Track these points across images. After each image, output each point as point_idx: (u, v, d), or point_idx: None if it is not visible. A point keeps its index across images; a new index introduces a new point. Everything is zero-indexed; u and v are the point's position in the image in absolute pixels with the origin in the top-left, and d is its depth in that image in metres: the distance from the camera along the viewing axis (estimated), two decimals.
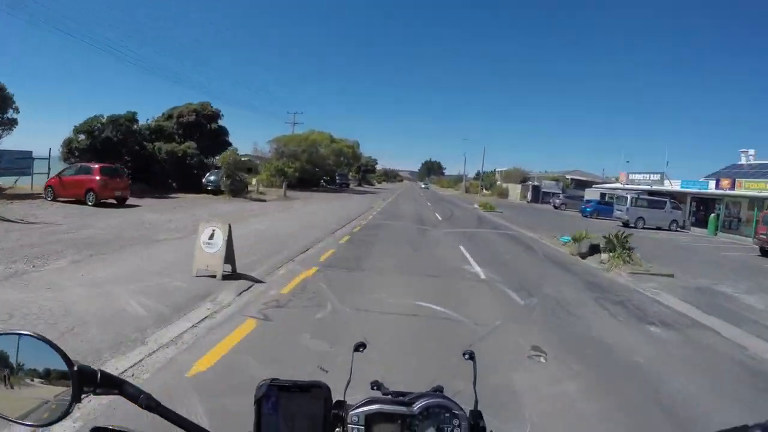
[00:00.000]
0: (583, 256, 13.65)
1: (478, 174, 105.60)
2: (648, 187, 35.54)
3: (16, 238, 9.62)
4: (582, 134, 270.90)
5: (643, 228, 27.13)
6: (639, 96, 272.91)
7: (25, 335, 0.81)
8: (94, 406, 3.22)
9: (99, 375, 0.83)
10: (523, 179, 64.13)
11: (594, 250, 13.78)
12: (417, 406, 0.99)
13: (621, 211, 27.55)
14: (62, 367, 0.80)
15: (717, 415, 4.04)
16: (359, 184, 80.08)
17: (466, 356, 1.21)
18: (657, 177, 35.42)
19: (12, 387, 0.81)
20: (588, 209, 33.99)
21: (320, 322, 5.59)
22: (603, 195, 43.30)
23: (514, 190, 62.52)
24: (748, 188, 26.72)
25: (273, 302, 6.41)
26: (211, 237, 7.72)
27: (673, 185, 33.84)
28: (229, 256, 7.80)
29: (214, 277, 7.51)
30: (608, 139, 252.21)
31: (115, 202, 18.44)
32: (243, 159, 49.45)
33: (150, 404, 0.87)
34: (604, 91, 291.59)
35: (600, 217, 33.52)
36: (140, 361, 4.21)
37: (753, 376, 5.23)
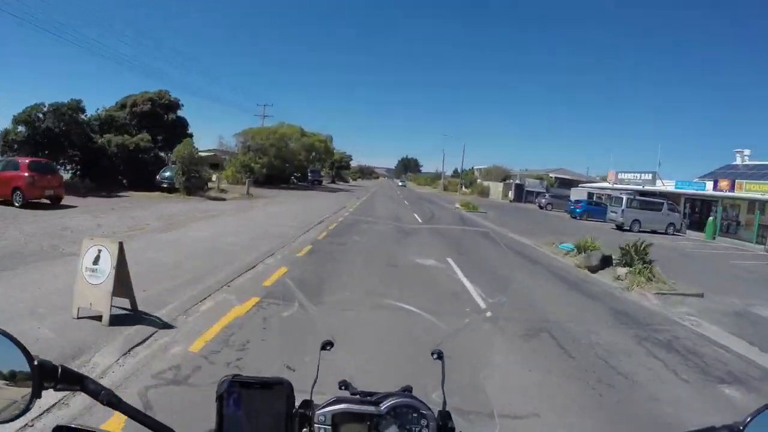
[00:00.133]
0: (593, 269, 11.74)
1: (455, 171, 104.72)
2: (639, 187, 34.35)
3: None
4: (565, 132, 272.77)
5: (639, 231, 25.65)
6: (624, 93, 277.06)
7: None
8: None
9: (60, 370, 0.83)
10: (505, 177, 62.81)
11: (605, 262, 11.91)
12: (384, 406, 0.99)
13: (615, 213, 26.05)
14: (23, 362, 0.81)
15: None
16: (333, 181, 77.52)
17: (435, 356, 1.20)
18: (648, 177, 34.24)
19: None
20: (577, 210, 32.50)
21: None
22: (591, 195, 42.12)
23: (496, 188, 61.13)
24: (750, 190, 25.59)
25: (171, 372, 4.12)
26: (96, 261, 5.34)
27: (666, 186, 32.69)
28: (124, 288, 5.44)
29: (100, 319, 5.18)
30: (592, 137, 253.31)
31: (48, 202, 15.97)
32: (208, 154, 47.00)
33: (111, 400, 0.87)
34: (586, 88, 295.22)
35: (590, 219, 32.11)
36: None
37: None
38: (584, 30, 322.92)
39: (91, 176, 24.49)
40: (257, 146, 42.95)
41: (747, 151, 32.94)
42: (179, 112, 31.51)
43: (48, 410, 3.40)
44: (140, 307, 5.58)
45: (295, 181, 53.10)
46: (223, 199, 25.38)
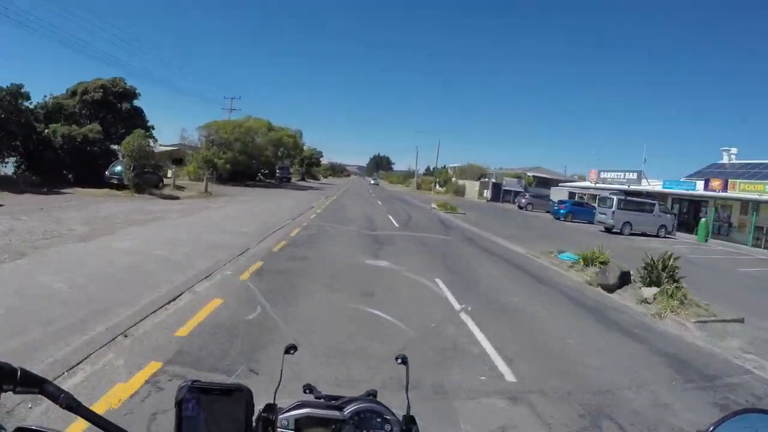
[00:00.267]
0: (610, 288, 9.89)
1: (428, 170, 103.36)
2: (624, 187, 33.27)
3: None
4: (541, 130, 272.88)
5: (630, 234, 24.33)
6: (602, 91, 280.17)
7: None
8: None
9: (19, 373, 0.82)
10: (480, 176, 61.49)
11: (624, 279, 10.09)
12: (348, 411, 1.00)
13: (605, 214, 24.63)
14: None
15: None
16: (302, 179, 74.63)
17: (399, 360, 1.19)
18: (633, 176, 33.19)
19: None
20: (561, 211, 31.08)
21: None
22: (572, 195, 41.04)
23: (472, 187, 59.76)
24: (744, 190, 24.63)
25: None
26: None
27: (652, 185, 31.67)
28: None
29: None
30: (568, 136, 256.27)
31: None
32: (171, 148, 44.06)
33: (71, 404, 0.85)
34: (562, 86, 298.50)
35: (575, 220, 30.76)
36: None
37: None
38: (562, 24, 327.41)
39: (35, 170, 22.26)
40: (221, 140, 40.08)
41: (734, 150, 32.37)
42: (136, 102, 29.33)
43: None
44: None
45: (262, 178, 50.38)
46: (177, 198, 22.77)
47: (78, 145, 23.10)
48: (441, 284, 8.21)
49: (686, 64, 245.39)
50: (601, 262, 11.69)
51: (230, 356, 4.48)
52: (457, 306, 6.97)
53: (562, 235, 21.73)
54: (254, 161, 43.88)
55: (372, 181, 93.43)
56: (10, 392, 0.82)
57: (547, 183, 56.90)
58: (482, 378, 4.49)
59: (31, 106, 22.93)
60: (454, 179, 66.62)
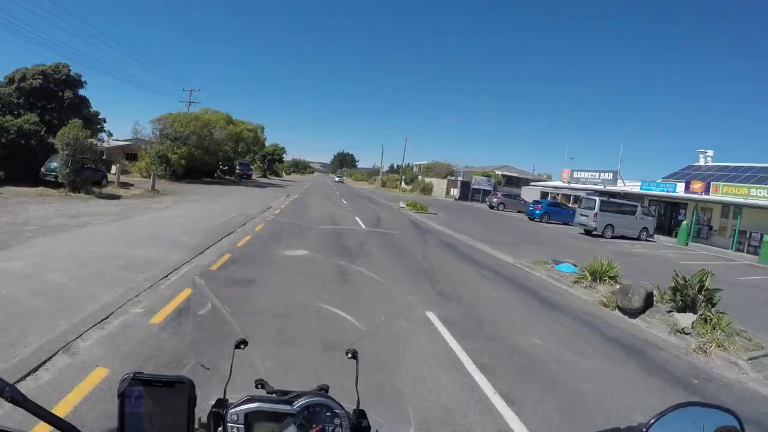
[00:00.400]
0: (633, 312, 8.20)
1: (391, 167, 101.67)
2: (598, 187, 32.44)
3: None
4: (509, 128, 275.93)
5: (612, 237, 23.19)
6: (572, 91, 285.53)
7: None
8: None
9: None
10: (448, 174, 60.20)
11: (647, 301, 8.42)
12: (297, 405, 1.01)
13: (586, 216, 23.36)
14: None
15: None
16: (264, 176, 71.24)
17: (349, 355, 1.21)
18: (609, 176, 32.35)
19: None
20: (538, 212, 29.79)
21: None
22: (545, 194, 40.14)
23: (439, 185, 58.40)
24: (727, 193, 23.92)
25: None
26: None
27: (628, 186, 30.88)
28: None
29: None
30: (537, 135, 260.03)
31: None
32: (124, 143, 40.69)
33: (15, 397, 0.85)
34: (530, 86, 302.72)
35: (551, 221, 29.57)
36: None
37: None
38: (532, 21, 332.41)
39: None
40: (176, 134, 36.86)
41: (710, 152, 32.07)
42: (81, 91, 26.79)
43: None
44: None
45: (221, 174, 47.27)
46: (118, 198, 19.88)
47: (12, 138, 20.15)
48: (437, 323, 6.17)
49: (663, 65, 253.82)
50: (610, 277, 10.07)
51: None
52: (477, 376, 4.69)
53: (544, 238, 20.27)
54: (212, 157, 40.82)
55: (336, 179, 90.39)
56: None
57: (516, 182, 56.25)
58: None
59: None
60: (420, 177, 65.07)
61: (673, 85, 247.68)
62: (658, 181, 30.26)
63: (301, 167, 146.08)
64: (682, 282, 8.14)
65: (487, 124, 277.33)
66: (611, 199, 24.56)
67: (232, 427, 0.98)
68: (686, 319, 7.56)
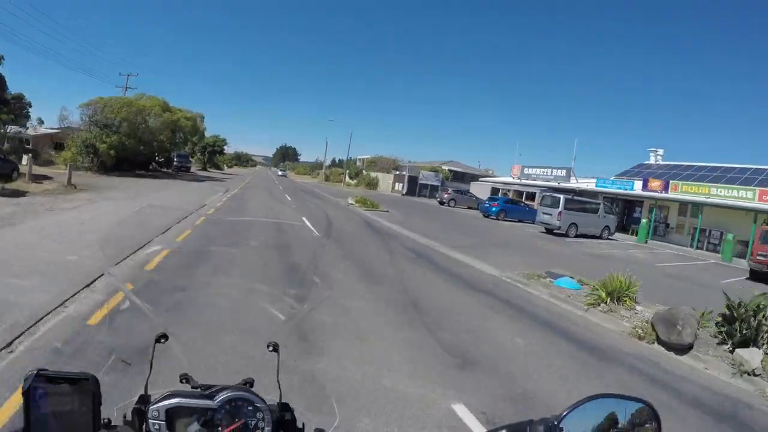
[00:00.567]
0: (681, 348, 6.38)
1: (334, 161, 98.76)
2: (551, 184, 31.73)
3: None
4: (452, 125, 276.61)
5: (576, 236, 22.08)
6: (514, 86, 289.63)
7: None
8: None
9: None
10: (394, 168, 58.34)
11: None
12: (218, 399, 0.99)
13: (549, 214, 22.08)
14: None
15: None
16: (204, 168, 65.85)
17: (270, 348, 1.20)
18: (562, 173, 31.66)
19: None
20: (494, 209, 28.35)
21: None
22: (495, 191, 39.13)
23: (385, 180, 56.36)
24: (688, 192, 23.56)
25: None
26: None
27: (582, 183, 30.29)
28: None
29: None
30: (481, 130, 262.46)
31: None
32: (53, 131, 36.08)
33: None
34: (473, 82, 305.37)
35: (508, 219, 28.28)
36: None
37: None
38: (477, 17, 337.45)
39: None
40: (106, 121, 32.22)
41: (660, 151, 32.34)
42: None
43: None
44: None
45: (156, 167, 42.58)
46: (25, 194, 15.99)
47: None
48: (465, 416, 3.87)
49: (612, 62, 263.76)
50: (630, 297, 8.30)
51: None
52: None
53: (508, 239, 18.67)
54: (146, 147, 36.31)
55: (279, 173, 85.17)
56: None
57: (461, 177, 55.36)
58: None
59: None
60: (365, 172, 62.79)
61: (623, 83, 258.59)
62: (613, 179, 29.88)
63: (243, 160, 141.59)
64: (740, 309, 6.44)
65: (431, 120, 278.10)
66: (575, 197, 23.52)
67: (154, 424, 0.96)
68: (754, 357, 5.81)
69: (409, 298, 7.30)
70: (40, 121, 33.86)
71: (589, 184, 29.93)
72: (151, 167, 40.86)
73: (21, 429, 0.90)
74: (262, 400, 1.01)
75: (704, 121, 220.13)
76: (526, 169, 35.86)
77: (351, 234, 14.55)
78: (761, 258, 15.31)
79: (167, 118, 38.00)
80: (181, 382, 1.09)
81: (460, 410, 3.88)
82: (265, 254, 9.55)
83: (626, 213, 29.47)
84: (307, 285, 7.50)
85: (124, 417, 1.01)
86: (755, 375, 5.75)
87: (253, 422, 0.99)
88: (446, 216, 27.56)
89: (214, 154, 71.89)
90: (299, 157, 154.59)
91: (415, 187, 50.05)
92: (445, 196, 37.74)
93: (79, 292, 5.82)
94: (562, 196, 21.89)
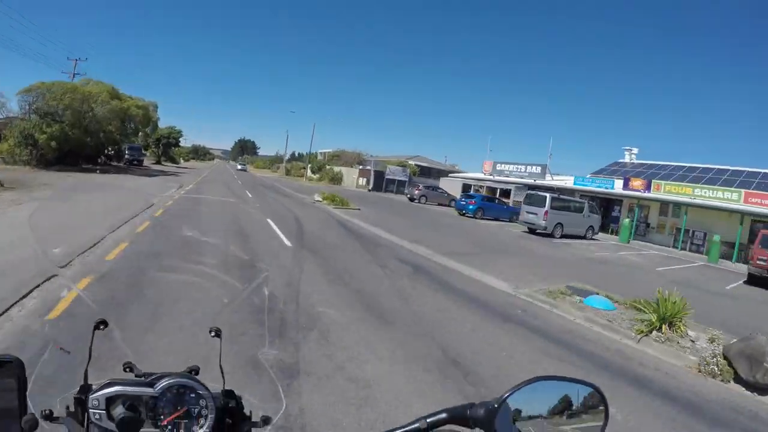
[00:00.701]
0: (764, 389, 5.04)
1: (293, 155, 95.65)
2: (526, 181, 30.88)
3: None
4: (417, 119, 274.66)
5: (562, 237, 21.05)
6: (482, 80, 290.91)
7: None
8: None
9: None
10: (359, 162, 56.49)
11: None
12: (159, 387, 0.97)
13: (534, 214, 20.94)
14: None
15: None
16: (158, 161, 61.50)
17: (212, 333, 1.18)
18: (537, 170, 30.83)
19: None
20: (471, 207, 27.07)
21: None
22: (467, 187, 38.01)
23: (350, 175, 54.43)
24: (671, 192, 23.05)
25: None
26: None
27: (559, 181, 29.53)
28: None
29: None
30: (447, 125, 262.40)
31: None
32: None
33: None
34: (437, 76, 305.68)
35: (485, 218, 27.07)
36: None
37: None
38: (447, 10, 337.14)
39: None
40: (47, 108, 28.68)
41: (635, 150, 32.15)
42: None
43: None
44: None
45: (106, 160, 39.00)
46: None
47: None
48: None
49: (583, 61, 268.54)
50: (680, 320, 6.94)
51: None
52: None
53: (496, 242, 17.35)
54: (93, 138, 32.77)
55: (239, 167, 79.45)
56: None
57: (428, 172, 54.21)
58: None
59: None
60: (328, 166, 60.59)
61: (596, 82, 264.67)
62: (591, 177, 29.28)
63: (200, 153, 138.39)
64: None
65: (395, 114, 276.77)
66: (561, 196, 22.54)
67: (94, 413, 0.94)
68: None
69: (438, 344, 5.50)
70: None
71: (564, 181, 29.26)
72: (99, 161, 37.42)
73: None
74: (205, 387, 0.98)
75: (676, 122, 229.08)
76: (498, 165, 34.89)
77: (328, 241, 12.68)
78: (761, 262, 14.64)
79: (116, 105, 34.60)
80: (124, 371, 1.08)
81: None
82: (225, 282, 7.08)
83: (605, 212, 29.04)
84: (290, 338, 5.15)
85: (67, 408, 0.98)
86: None
87: (195, 410, 0.97)
88: (421, 214, 26.04)
89: (169, 147, 67.43)
90: (258, 151, 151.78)
91: (381, 183, 48.43)
92: (416, 192, 36.28)
93: None
94: (548, 195, 20.82)
